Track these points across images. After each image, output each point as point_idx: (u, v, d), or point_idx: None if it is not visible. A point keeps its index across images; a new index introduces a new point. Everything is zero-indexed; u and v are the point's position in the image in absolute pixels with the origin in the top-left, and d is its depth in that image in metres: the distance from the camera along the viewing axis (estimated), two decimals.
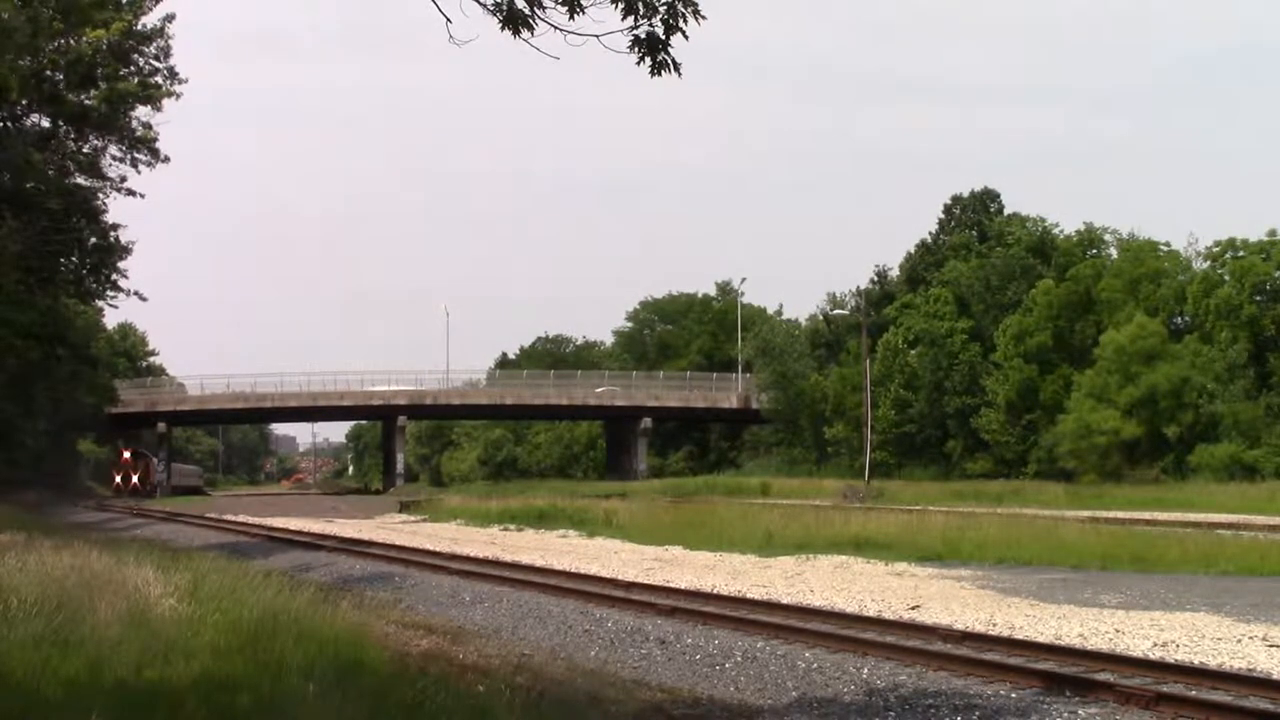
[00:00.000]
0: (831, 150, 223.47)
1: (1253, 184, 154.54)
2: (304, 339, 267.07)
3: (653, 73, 6.95)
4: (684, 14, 6.88)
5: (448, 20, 6.90)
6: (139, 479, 79.34)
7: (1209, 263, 61.43)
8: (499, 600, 17.55)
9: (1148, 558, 21.45)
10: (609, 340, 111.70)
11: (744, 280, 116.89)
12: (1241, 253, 59.12)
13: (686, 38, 6.92)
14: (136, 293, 36.56)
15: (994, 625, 14.05)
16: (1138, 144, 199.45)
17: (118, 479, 79.89)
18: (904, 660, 11.88)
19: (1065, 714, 9.70)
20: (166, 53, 32.36)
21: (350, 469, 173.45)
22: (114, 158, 33.51)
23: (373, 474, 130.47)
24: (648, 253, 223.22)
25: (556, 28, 6.87)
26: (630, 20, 6.86)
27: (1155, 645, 12.62)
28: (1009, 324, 65.18)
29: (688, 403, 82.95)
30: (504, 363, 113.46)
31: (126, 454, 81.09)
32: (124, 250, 35.97)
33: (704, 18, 6.90)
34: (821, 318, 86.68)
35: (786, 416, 78.04)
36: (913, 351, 70.66)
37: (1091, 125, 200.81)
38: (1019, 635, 13.22)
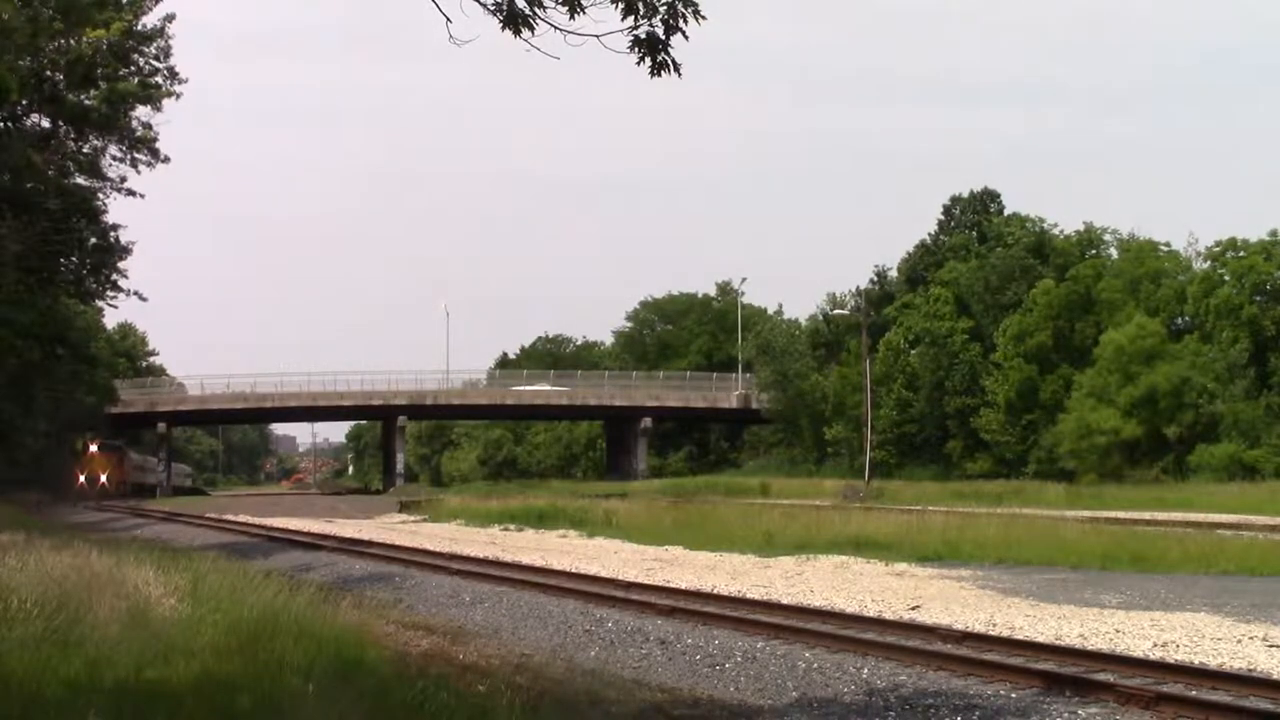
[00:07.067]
0: (831, 150, 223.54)
1: (1253, 184, 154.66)
2: (304, 339, 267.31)
3: (653, 73, 6.94)
4: (684, 14, 6.88)
5: (448, 20, 6.90)
6: (108, 478, 67.30)
7: (1209, 263, 61.47)
8: (499, 600, 17.53)
9: (1148, 558, 21.43)
10: (609, 340, 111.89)
11: (744, 280, 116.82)
12: (1242, 253, 59.16)
13: (686, 38, 6.91)
14: (136, 293, 36.64)
15: (994, 625, 14.03)
16: (1138, 144, 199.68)
17: (82, 478, 65.48)
18: (904, 660, 11.87)
19: (1065, 714, 9.69)
20: (166, 53, 32.37)
21: (350, 469, 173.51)
22: (114, 158, 33.54)
23: (373, 474, 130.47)
24: (648, 253, 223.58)
25: (556, 28, 6.87)
26: (630, 20, 6.85)
27: (1155, 645, 12.60)
28: (1009, 324, 65.18)
29: (688, 403, 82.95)
30: (504, 363, 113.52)
31: (93, 447, 67.73)
32: (124, 250, 36.02)
33: (704, 18, 6.90)
34: (821, 318, 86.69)
35: (786, 416, 78.07)
36: (913, 351, 70.68)
37: (1091, 125, 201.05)
38: (1019, 635, 13.20)
